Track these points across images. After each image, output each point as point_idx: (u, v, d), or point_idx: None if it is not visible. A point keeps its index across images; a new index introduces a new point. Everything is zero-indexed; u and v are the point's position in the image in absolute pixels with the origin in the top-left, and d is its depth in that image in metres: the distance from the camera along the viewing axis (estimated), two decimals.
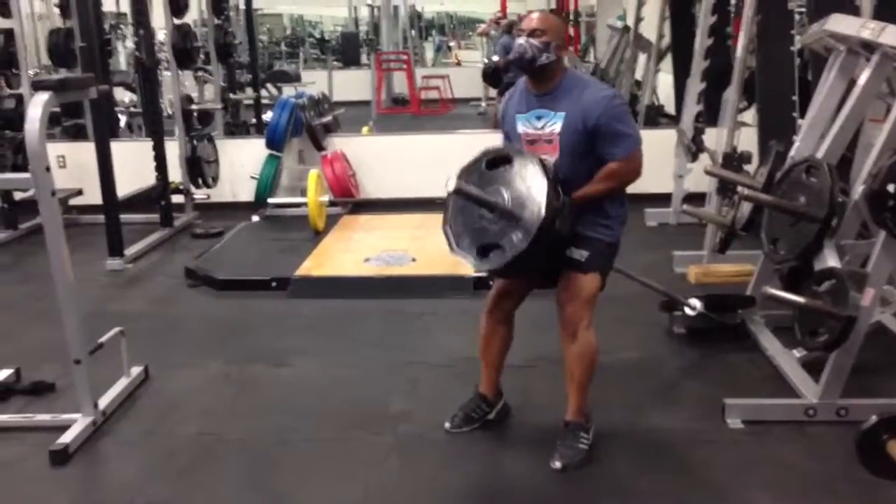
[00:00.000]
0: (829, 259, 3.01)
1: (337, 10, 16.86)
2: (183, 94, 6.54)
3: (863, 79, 3.20)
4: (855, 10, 4.21)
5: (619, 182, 2.81)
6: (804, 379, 3.28)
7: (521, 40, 2.76)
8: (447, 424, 3.10)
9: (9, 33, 5.86)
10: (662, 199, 6.00)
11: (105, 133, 5.12)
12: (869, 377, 3.28)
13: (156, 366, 3.70)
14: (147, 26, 5.78)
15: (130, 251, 5.41)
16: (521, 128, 2.86)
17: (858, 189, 3.03)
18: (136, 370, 3.54)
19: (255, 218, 6.31)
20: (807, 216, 3.08)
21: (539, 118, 2.82)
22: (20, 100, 5.91)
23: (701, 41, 5.56)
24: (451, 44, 19.84)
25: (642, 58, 8.52)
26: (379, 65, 12.70)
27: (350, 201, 6.54)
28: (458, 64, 16.97)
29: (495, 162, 2.76)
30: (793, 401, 3.18)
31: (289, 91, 10.13)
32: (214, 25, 7.20)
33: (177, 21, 6.04)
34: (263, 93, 10.04)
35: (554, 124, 2.79)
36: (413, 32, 15.88)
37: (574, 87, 2.80)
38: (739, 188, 3.57)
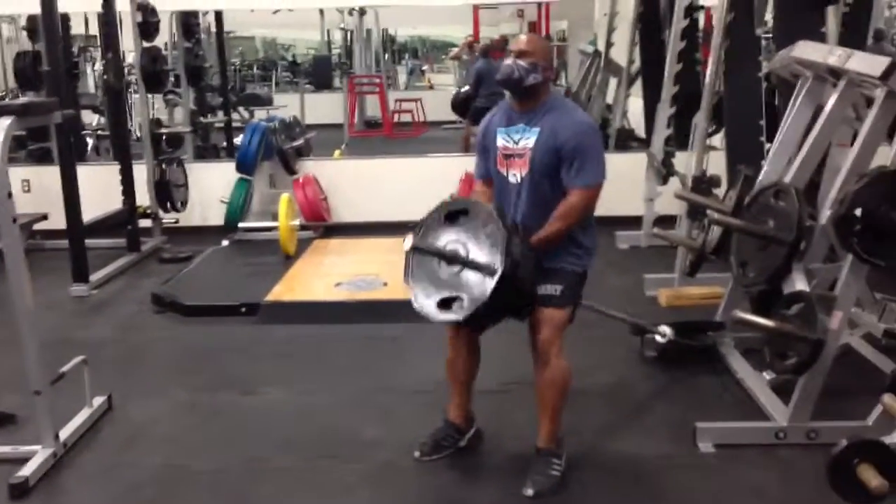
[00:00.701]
0: (798, 282, 3.02)
1: (310, 33, 16.87)
2: (152, 117, 6.47)
3: (829, 104, 3.24)
4: (821, 37, 4.28)
5: (576, 219, 2.83)
6: (774, 402, 3.28)
7: (508, 61, 2.82)
8: (416, 453, 3.05)
9: None
10: (634, 222, 6.03)
11: (71, 157, 5.04)
12: (838, 399, 3.28)
13: (120, 395, 3.61)
14: (115, 49, 5.72)
15: (96, 277, 5.31)
16: (501, 141, 2.89)
17: (826, 213, 3.05)
18: (98, 400, 3.46)
19: (225, 242, 6.24)
20: (775, 240, 3.10)
21: (517, 133, 2.86)
22: None
23: (670, 66, 5.63)
24: (424, 67, 19.91)
25: (613, 82, 8.60)
26: (352, 88, 12.70)
27: (321, 225, 6.50)
28: (431, 87, 17.03)
29: (453, 214, 2.78)
30: (763, 424, 3.18)
31: (261, 114, 10.10)
32: (184, 48, 7.15)
33: (146, 44, 5.99)
34: (235, 116, 10.00)
35: (528, 139, 2.83)
36: (386, 56, 15.92)
37: (556, 108, 2.86)
38: (709, 212, 3.58)
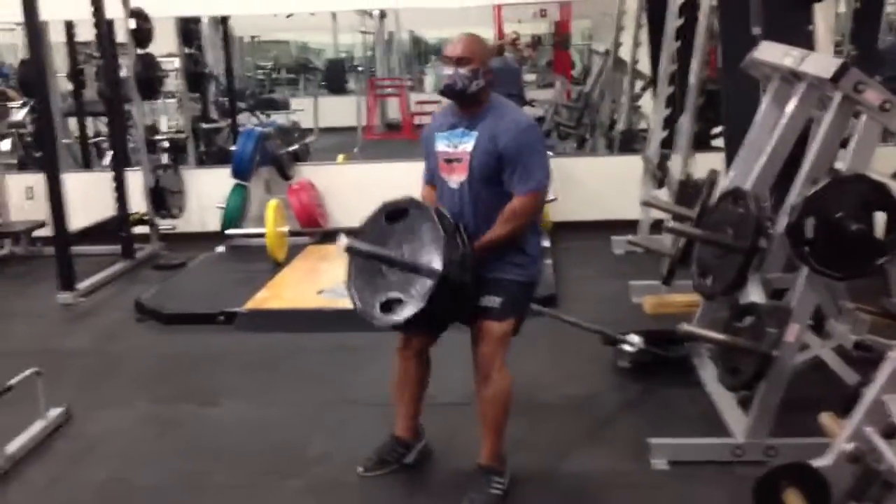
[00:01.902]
0: (753, 293, 2.89)
1: (341, 37, 16.90)
2: (147, 123, 6.49)
3: (790, 107, 3.09)
4: (808, 36, 4.08)
5: (522, 223, 2.74)
6: (737, 417, 3.14)
7: (448, 71, 2.73)
8: (360, 468, 2.99)
9: None
10: (631, 226, 5.87)
11: (54, 164, 5.03)
12: (805, 414, 3.11)
13: (82, 406, 3.60)
14: (107, 55, 5.75)
15: (84, 284, 5.29)
16: (441, 146, 2.83)
17: (783, 221, 2.91)
18: (55, 412, 3.44)
19: (220, 248, 6.23)
20: (730, 248, 2.97)
21: (457, 137, 2.79)
22: None
23: (665, 67, 5.48)
24: None
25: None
26: (373, 90, 12.70)
27: (315, 231, 6.45)
28: None
29: (394, 214, 2.71)
30: (721, 440, 3.05)
31: (279, 118, 10.09)
32: (185, 55, 7.18)
33: (140, 51, 6.01)
34: (253, 120, 9.97)
35: (467, 143, 2.76)
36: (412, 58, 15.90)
37: (496, 110, 2.78)
38: (666, 220, 3.46)
